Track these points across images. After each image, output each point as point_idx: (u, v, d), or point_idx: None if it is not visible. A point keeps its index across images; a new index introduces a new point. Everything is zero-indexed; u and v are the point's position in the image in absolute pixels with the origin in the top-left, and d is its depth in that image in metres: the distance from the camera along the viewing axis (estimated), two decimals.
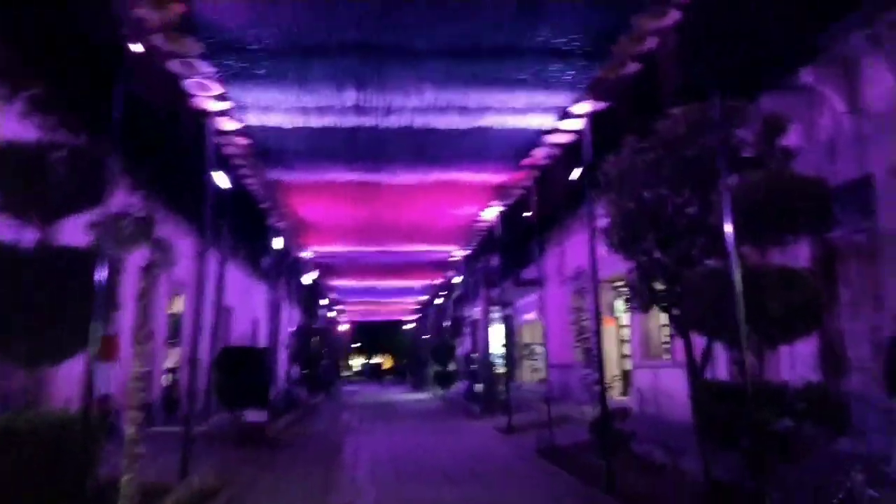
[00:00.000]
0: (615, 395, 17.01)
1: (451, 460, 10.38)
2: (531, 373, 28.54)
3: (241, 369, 13.76)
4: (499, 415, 16.52)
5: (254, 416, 12.52)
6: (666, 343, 14.72)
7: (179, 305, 17.95)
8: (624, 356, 17.81)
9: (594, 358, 11.16)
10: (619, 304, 17.29)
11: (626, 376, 17.40)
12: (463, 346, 34.61)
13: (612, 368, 17.64)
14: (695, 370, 7.76)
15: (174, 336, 17.62)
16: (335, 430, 15.56)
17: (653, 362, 15.02)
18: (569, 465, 9.24)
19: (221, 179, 10.19)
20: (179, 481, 7.96)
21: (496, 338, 26.44)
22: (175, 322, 17.63)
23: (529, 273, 23.63)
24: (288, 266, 19.92)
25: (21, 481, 4.35)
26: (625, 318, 17.79)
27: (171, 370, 17.62)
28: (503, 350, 25.46)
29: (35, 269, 4.84)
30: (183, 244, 17.59)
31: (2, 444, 4.18)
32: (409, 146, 9.87)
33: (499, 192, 12.90)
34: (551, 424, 12.32)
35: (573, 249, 19.20)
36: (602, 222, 8.45)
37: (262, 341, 22.33)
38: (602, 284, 17.89)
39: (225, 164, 10.31)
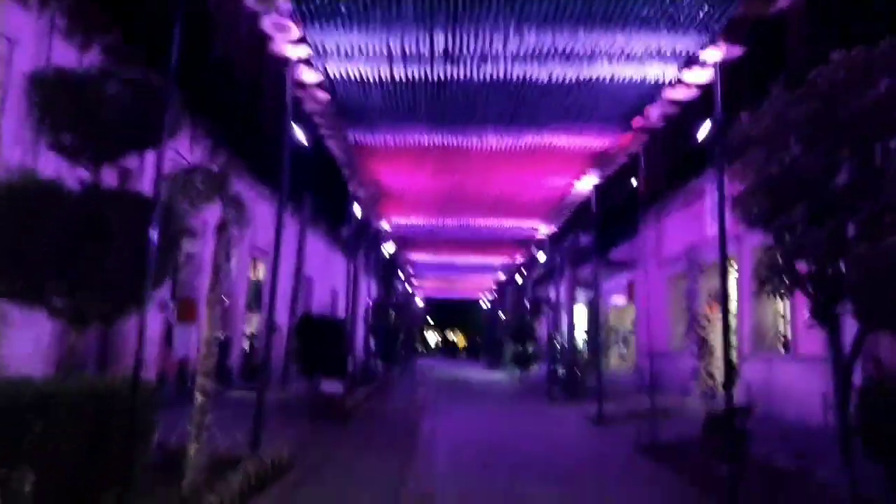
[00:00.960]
0: (718, 389, 15.49)
1: (538, 452, 9.44)
2: (617, 360, 27.11)
3: (320, 338, 13.32)
4: (584, 402, 15.42)
5: (330, 386, 12.03)
6: (781, 334, 13.12)
7: (262, 272, 17.83)
8: (729, 347, 16.17)
9: (708, 347, 9.89)
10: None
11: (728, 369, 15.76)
12: (543, 328, 33.46)
13: (716, 360, 16.09)
14: (842, 367, 6.44)
15: (256, 302, 17.53)
16: (412, 406, 14.95)
17: (766, 354, 13.46)
18: (677, 467, 8.11)
19: (301, 136, 9.52)
20: (251, 453, 7.47)
21: (580, 321, 25.17)
22: (257, 288, 17.52)
23: (620, 253, 22.18)
24: (367, 237, 19.40)
25: (59, 453, 3.75)
26: (732, 306, 16.13)
27: (252, 336, 17.56)
28: (586, 334, 24.20)
29: (99, 213, 4.21)
30: (261, 209, 17.39)
31: (36, 411, 3.58)
32: (502, 103, 8.85)
33: (598, 160, 11.66)
34: (650, 417, 11.18)
35: (674, 228, 17.66)
36: (731, 192, 7.17)
37: (341, 312, 22.08)
38: (707, 268, 16.37)
39: (304, 121, 9.63)
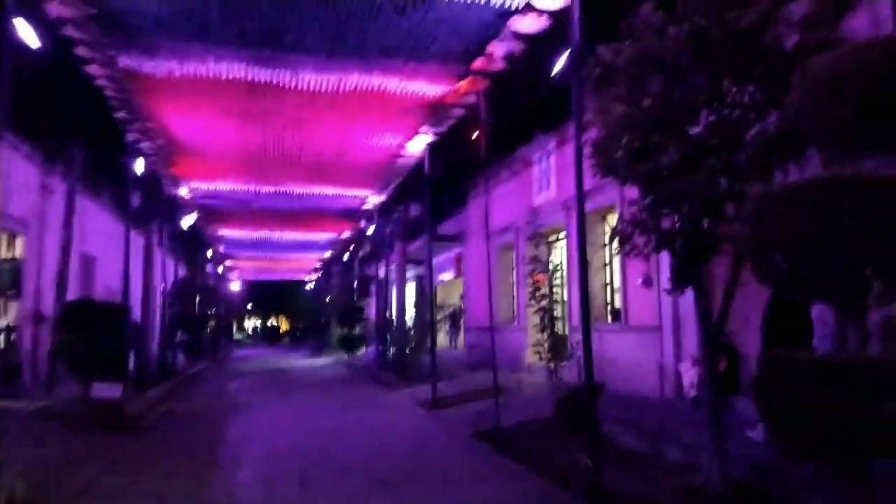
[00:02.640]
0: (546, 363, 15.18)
1: (369, 451, 7.97)
2: (446, 337, 26.56)
3: (92, 330, 10.61)
4: (416, 384, 14.29)
5: (104, 390, 9.50)
6: (609, 304, 12.94)
7: (18, 250, 14.17)
8: (556, 318, 15.96)
9: (552, 319, 9.07)
10: (556, 257, 15.42)
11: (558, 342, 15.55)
12: (371, 309, 32.12)
13: (537, 332, 15.84)
14: (711, 334, 5.76)
15: (14, 287, 13.89)
16: (218, 405, 12.71)
17: (596, 325, 13.18)
18: (523, 455, 7.10)
19: (30, 36, 6.91)
20: None
21: (410, 300, 24.12)
22: (13, 270, 13.89)
23: (449, 227, 21.41)
24: (161, 205, 16.41)
25: None
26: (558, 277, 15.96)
27: (8, 329, 13.95)
28: (416, 312, 23.24)
29: None
30: (16, 168, 13.77)
31: None
32: (322, 23, 7.09)
33: (433, 111, 10.35)
34: (487, 397, 10.26)
35: (503, 198, 17.10)
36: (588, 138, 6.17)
37: (137, 301, 18.67)
38: (535, 237, 15.97)
39: (47, 27, 7.07)
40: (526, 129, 15.07)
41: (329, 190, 16.21)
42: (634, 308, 11.21)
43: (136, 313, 18.92)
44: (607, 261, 12.77)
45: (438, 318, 21.49)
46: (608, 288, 12.77)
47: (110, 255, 21.30)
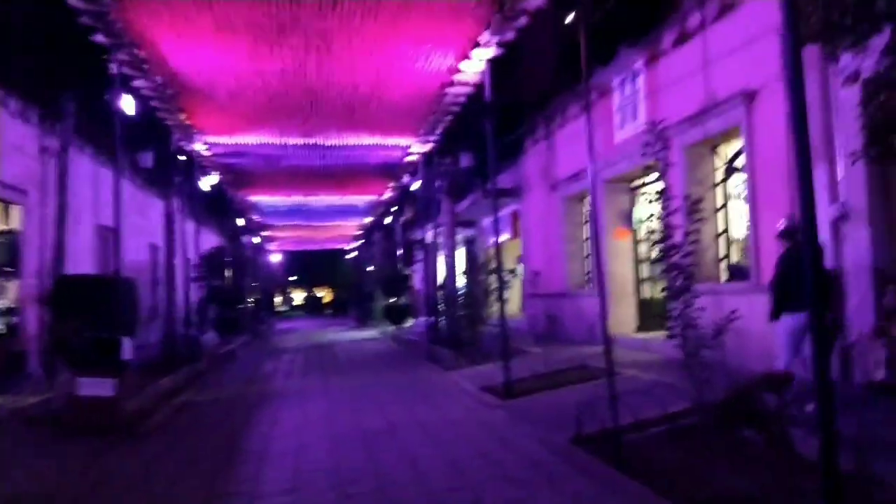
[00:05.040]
0: (627, 332, 12.78)
1: (430, 466, 5.73)
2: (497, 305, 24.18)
3: (80, 310, 8.66)
4: (478, 363, 12.06)
5: (92, 385, 7.51)
6: (726, 258, 10.28)
7: (15, 221, 12.31)
8: (643, 280, 13.45)
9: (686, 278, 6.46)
10: (640, 211, 12.83)
11: (647, 308, 13.10)
12: (417, 276, 30.00)
13: (626, 295, 13.38)
14: None
15: (11, 264, 12.08)
16: (246, 395, 10.72)
17: (708, 286, 10.62)
18: (670, 481, 4.71)
19: None
20: None
21: (461, 265, 21.80)
22: (8, 244, 12.06)
23: (502, 181, 18.88)
24: (178, 164, 14.34)
25: None
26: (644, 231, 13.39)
27: (8, 311, 12.18)
28: (469, 278, 20.92)
29: None
30: (10, 129, 11.84)
31: None
32: None
33: (498, 11, 7.82)
34: (576, 381, 7.96)
35: (570, 141, 14.47)
36: None
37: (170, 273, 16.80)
38: (609, 185, 13.36)
39: None
40: (600, 47, 12.37)
41: (366, 138, 13.84)
42: (769, 263, 8.61)
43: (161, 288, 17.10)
44: (719, 204, 10.11)
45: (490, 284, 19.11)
46: (721, 239, 10.13)
47: (134, 227, 19.61)
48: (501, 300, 9.87)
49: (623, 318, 13.01)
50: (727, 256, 10.15)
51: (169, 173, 14.23)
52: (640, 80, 11.35)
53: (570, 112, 14.24)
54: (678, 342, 5.92)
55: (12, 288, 12.31)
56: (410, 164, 16.42)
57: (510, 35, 8.52)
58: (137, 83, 9.52)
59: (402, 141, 14.29)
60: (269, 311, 38.26)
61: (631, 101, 11.89)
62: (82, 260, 13.68)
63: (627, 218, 13.27)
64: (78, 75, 10.33)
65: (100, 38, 7.86)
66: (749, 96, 8.40)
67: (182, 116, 11.77)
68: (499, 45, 8.78)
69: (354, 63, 9.32)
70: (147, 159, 13.68)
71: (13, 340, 11.95)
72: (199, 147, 13.94)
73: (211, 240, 24.08)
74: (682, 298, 5.93)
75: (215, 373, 13.68)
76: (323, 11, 7.66)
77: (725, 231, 10.07)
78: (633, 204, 13.31)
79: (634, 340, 12.21)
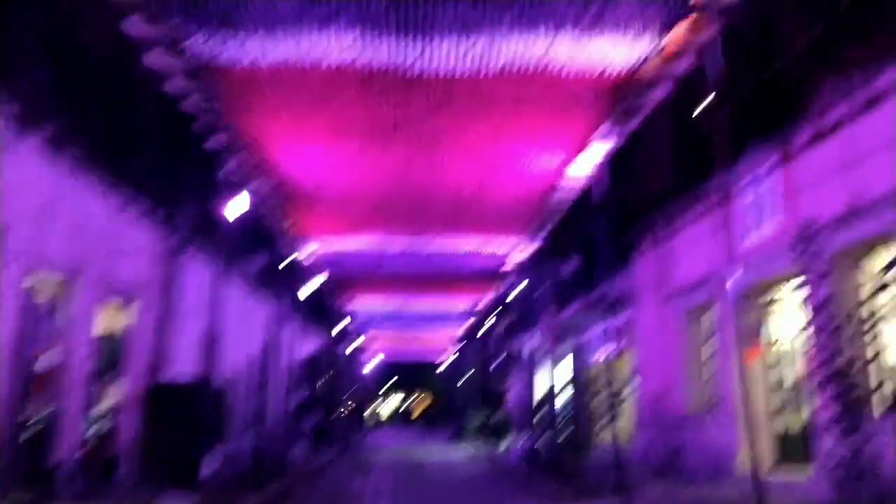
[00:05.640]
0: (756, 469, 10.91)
1: None
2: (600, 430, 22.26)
3: (170, 421, 8.28)
4: (587, 499, 10.55)
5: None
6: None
7: (123, 321, 12.56)
8: (779, 410, 11.64)
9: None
10: (774, 327, 11.34)
11: (784, 442, 11.25)
12: (513, 390, 28.56)
13: (758, 427, 11.55)
14: None
15: (111, 367, 12.19)
16: None
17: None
18: None
19: None
20: None
21: (560, 381, 20.41)
22: (112, 347, 12.22)
23: (608, 289, 17.78)
24: (283, 270, 14.41)
25: None
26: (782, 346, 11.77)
27: (107, 414, 12.12)
28: (569, 396, 19.43)
29: None
30: (126, 232, 12.34)
31: None
32: None
33: (624, 92, 7.28)
34: None
35: (691, 245, 13.37)
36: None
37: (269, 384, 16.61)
38: (736, 297, 11.99)
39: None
40: (727, 144, 11.56)
41: (466, 244, 13.45)
42: None
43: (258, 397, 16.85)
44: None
45: (598, 403, 17.52)
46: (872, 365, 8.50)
47: (240, 331, 19.89)
48: (614, 420, 8.61)
49: (755, 453, 11.21)
50: (881, 385, 8.46)
51: (274, 279, 14.33)
52: (772, 180, 10.33)
53: (691, 214, 13.25)
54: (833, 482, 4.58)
55: (114, 391, 12.36)
56: (511, 268, 15.81)
57: (634, 124, 7.93)
58: (249, 188, 9.64)
59: (505, 244, 13.77)
60: (361, 422, 37.50)
61: (762, 203, 10.83)
62: (187, 365, 13.72)
63: (757, 336, 11.76)
64: (196, 181, 10.68)
65: (213, 143, 8.02)
66: None
67: (290, 222, 11.87)
68: (618, 136, 8.20)
69: (462, 163, 9.03)
70: (254, 264, 13.85)
71: (108, 445, 11.81)
72: (304, 253, 14.03)
73: (308, 346, 24.13)
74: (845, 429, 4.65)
75: (298, 493, 12.83)
76: (435, 110, 7.44)
77: (877, 356, 8.46)
78: (762, 320, 11.83)
79: (770, 479, 10.41)
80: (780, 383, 11.28)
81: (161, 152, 11.82)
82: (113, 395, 12.34)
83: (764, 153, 10.43)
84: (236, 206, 8.26)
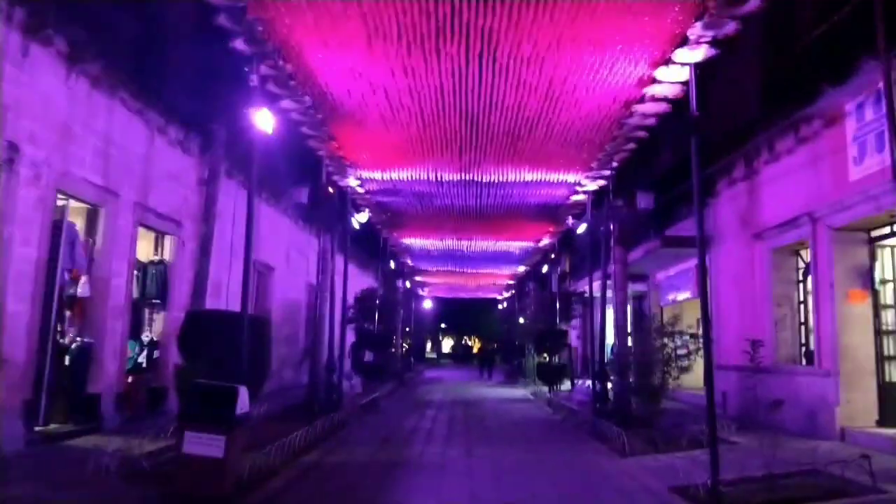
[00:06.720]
0: (865, 425, 9.63)
1: None
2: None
3: (206, 351, 7.71)
4: (661, 449, 9.59)
5: (199, 442, 6.34)
6: None
7: (169, 250, 12.13)
8: (889, 357, 10.23)
9: None
10: (884, 266, 9.83)
11: (882, 391, 9.93)
12: (575, 333, 27.56)
13: (863, 376, 10.18)
14: None
15: (158, 295, 11.85)
16: (382, 461, 9.21)
17: None
18: None
19: None
20: None
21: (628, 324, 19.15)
22: (159, 274, 11.85)
23: (683, 230, 16.24)
24: (331, 199, 13.53)
25: None
26: (890, 293, 10.23)
27: (151, 345, 11.89)
28: (636, 341, 18.19)
29: None
30: (168, 159, 11.69)
31: None
32: None
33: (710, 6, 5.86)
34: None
35: (781, 180, 11.73)
36: None
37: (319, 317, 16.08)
38: (840, 233, 10.46)
39: None
40: (831, 62, 9.83)
41: (529, 174, 12.22)
42: None
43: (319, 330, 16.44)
44: None
45: (671, 348, 16.26)
46: None
47: (292, 264, 19.51)
48: (709, 363, 7.49)
49: (860, 407, 9.99)
50: None
51: (322, 209, 13.55)
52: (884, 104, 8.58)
53: (784, 144, 11.55)
54: None
55: (159, 320, 12.07)
56: (576, 204, 14.51)
57: (730, 28, 6.46)
58: (285, 104, 8.68)
59: (570, 177, 12.45)
60: (418, 359, 37.50)
61: (874, 128, 9.12)
62: (238, 296, 13.32)
63: (866, 276, 10.22)
64: (230, 102, 9.84)
65: (239, 44, 7.02)
66: None
67: (334, 145, 10.93)
68: (712, 43, 6.74)
69: (521, 76, 7.75)
70: (301, 194, 13.07)
71: (153, 375, 11.58)
72: (352, 182, 13.15)
73: (363, 282, 23.66)
74: None
75: (354, 426, 12.41)
76: (487, 7, 6.18)
77: None
78: (873, 259, 10.25)
79: (877, 437, 9.22)
80: (889, 329, 9.88)
81: (192, 73, 11.01)
82: (160, 324, 12.08)
83: (874, 73, 8.67)
84: (266, 120, 7.33)
